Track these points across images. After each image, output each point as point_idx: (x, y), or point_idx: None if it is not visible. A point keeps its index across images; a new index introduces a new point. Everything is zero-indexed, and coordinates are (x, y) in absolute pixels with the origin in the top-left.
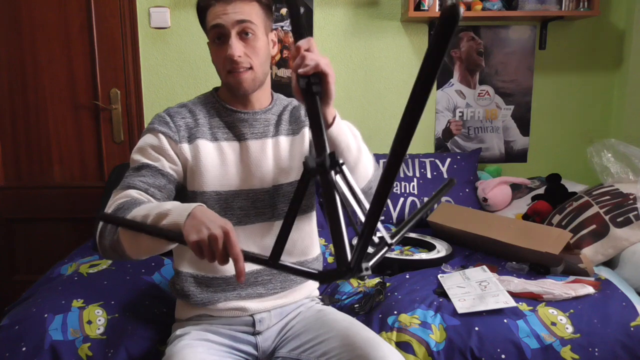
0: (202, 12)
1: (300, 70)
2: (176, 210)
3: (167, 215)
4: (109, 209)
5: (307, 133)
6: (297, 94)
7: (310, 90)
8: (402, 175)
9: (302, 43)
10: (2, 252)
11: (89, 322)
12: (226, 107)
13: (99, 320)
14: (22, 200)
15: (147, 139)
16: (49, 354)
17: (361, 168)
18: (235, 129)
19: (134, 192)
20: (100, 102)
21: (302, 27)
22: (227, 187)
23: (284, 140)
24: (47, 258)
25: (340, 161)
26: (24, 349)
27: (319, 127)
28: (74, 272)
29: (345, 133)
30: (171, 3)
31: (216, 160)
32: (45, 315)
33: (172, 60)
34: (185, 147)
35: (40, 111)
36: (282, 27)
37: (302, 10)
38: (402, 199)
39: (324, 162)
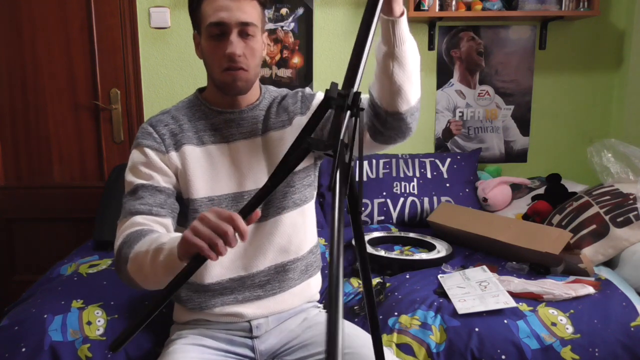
0: (197, 1)
1: None
2: (170, 242)
3: (162, 250)
4: (117, 241)
5: (303, 122)
6: None
7: None
8: (402, 175)
9: None
10: (2, 252)
11: (89, 323)
12: (211, 109)
13: (99, 321)
14: (22, 200)
15: (135, 157)
16: (48, 354)
17: (414, 83)
18: (223, 130)
19: (139, 218)
20: (100, 102)
21: None
22: (219, 192)
23: (274, 135)
24: (47, 258)
25: (362, 107)
26: (23, 349)
27: (363, 42)
28: (74, 273)
29: (412, 41)
30: (171, 3)
31: (205, 165)
32: (45, 316)
33: (172, 60)
34: (174, 156)
35: (40, 111)
36: (282, 27)
37: None
38: (402, 199)
39: (346, 97)
